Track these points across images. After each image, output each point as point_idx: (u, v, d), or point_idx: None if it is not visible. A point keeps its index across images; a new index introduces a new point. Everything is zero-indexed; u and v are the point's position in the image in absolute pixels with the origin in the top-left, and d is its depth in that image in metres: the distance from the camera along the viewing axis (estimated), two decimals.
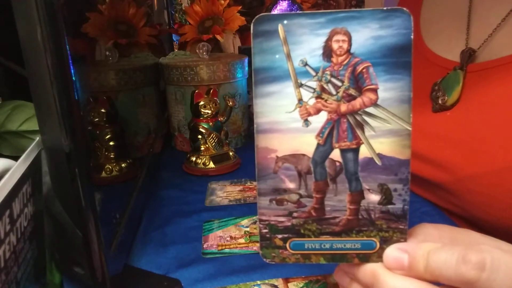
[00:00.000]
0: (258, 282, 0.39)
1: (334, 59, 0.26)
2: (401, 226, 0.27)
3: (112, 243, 0.37)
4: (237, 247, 0.45)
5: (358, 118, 0.26)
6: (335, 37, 0.25)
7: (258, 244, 0.28)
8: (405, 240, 0.27)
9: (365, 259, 0.27)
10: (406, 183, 0.26)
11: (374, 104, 0.26)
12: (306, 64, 0.26)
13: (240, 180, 0.64)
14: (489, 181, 0.44)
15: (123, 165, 0.59)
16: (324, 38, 0.25)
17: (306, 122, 0.26)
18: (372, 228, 0.27)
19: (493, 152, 0.44)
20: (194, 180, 0.65)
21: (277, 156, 0.27)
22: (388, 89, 0.25)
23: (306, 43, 0.25)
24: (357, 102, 0.26)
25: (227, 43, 0.89)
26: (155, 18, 1.02)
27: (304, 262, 0.28)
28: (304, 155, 0.27)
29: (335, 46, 0.25)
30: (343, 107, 0.26)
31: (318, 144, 0.26)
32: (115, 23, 0.77)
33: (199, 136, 0.67)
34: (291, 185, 0.27)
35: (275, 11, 0.81)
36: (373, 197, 0.27)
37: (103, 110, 0.58)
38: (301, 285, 0.38)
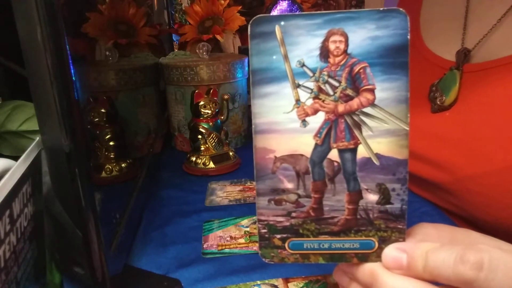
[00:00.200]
0: (258, 282, 0.39)
1: (331, 60, 0.26)
2: (399, 226, 0.27)
3: (112, 243, 0.37)
4: (237, 247, 0.45)
5: (355, 118, 0.26)
6: (332, 38, 0.25)
7: (257, 244, 0.28)
8: (404, 240, 0.27)
9: (364, 258, 0.27)
10: (404, 182, 0.26)
11: (372, 104, 0.26)
12: (303, 65, 0.26)
13: (240, 180, 0.64)
14: (488, 181, 0.45)
15: (123, 165, 0.59)
16: (321, 39, 0.25)
17: (304, 122, 0.26)
18: (371, 228, 0.27)
19: (492, 152, 0.44)
20: (194, 180, 0.65)
21: (275, 157, 0.27)
22: (385, 89, 0.25)
23: (303, 44, 0.25)
24: (355, 103, 0.26)
25: (227, 43, 0.89)
26: (155, 18, 1.02)
27: (303, 262, 0.28)
28: (302, 155, 0.27)
29: (332, 46, 0.25)
30: (341, 108, 0.26)
31: (316, 144, 0.26)
32: (115, 23, 0.77)
33: (199, 136, 0.67)
34: (289, 185, 0.27)
35: (275, 11, 0.81)
36: (371, 197, 0.27)
37: (103, 110, 0.58)
38: (301, 285, 0.38)
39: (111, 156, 0.59)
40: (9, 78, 0.48)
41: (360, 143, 0.26)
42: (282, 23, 0.25)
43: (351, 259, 0.27)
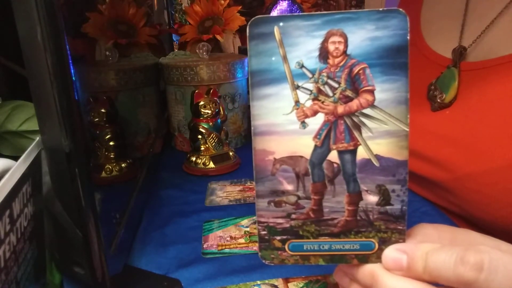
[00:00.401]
0: (258, 282, 0.39)
1: (330, 61, 0.26)
2: (399, 227, 0.27)
3: (112, 243, 0.37)
4: (237, 247, 0.45)
5: (355, 119, 0.26)
6: (331, 39, 0.25)
7: (257, 246, 0.28)
8: (404, 241, 0.27)
9: (364, 260, 0.27)
10: (404, 184, 0.26)
11: (371, 105, 0.26)
12: (302, 66, 0.26)
13: (240, 180, 0.64)
14: (486, 180, 0.45)
15: (123, 165, 0.59)
16: (320, 40, 0.25)
17: (303, 124, 0.26)
18: (371, 229, 0.27)
19: (491, 150, 0.45)
20: (194, 180, 0.65)
21: (274, 158, 0.27)
22: (385, 90, 0.25)
23: (302, 45, 0.25)
24: (354, 104, 0.26)
25: (227, 43, 0.89)
26: (155, 18, 1.02)
27: (303, 264, 0.28)
28: (301, 157, 0.27)
29: (331, 47, 0.25)
30: (340, 109, 0.26)
31: (316, 146, 0.26)
32: (115, 23, 0.77)
33: (199, 136, 0.67)
34: (289, 187, 0.27)
35: (274, 11, 0.81)
36: (371, 198, 0.27)
37: (103, 110, 0.58)
38: (301, 285, 0.38)
39: (111, 156, 0.59)
40: (9, 78, 0.48)
41: (360, 144, 0.26)
42: (281, 24, 0.25)
43: (351, 260, 0.27)
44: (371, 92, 0.25)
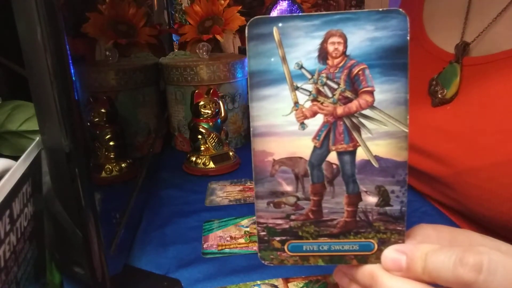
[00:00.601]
0: (258, 282, 0.39)
1: (329, 62, 0.25)
2: (399, 228, 0.27)
3: (112, 243, 0.37)
4: (237, 247, 0.45)
5: (354, 120, 0.26)
6: (331, 39, 0.25)
7: (257, 246, 0.28)
8: (403, 242, 0.27)
9: (363, 260, 0.27)
10: (403, 185, 0.26)
11: (371, 106, 0.26)
12: (301, 67, 0.26)
13: (240, 180, 0.64)
14: (487, 174, 0.45)
15: (123, 165, 0.59)
16: (319, 41, 0.25)
17: (303, 125, 0.26)
18: (370, 230, 0.27)
19: (491, 145, 0.45)
20: (194, 180, 0.65)
21: (274, 159, 0.27)
22: (384, 91, 0.25)
23: (301, 45, 0.25)
24: (354, 105, 0.26)
25: (227, 43, 0.89)
26: (155, 18, 1.02)
27: (303, 264, 0.28)
28: (301, 158, 0.27)
29: (330, 48, 0.25)
30: (340, 110, 0.26)
31: (315, 147, 0.26)
32: (115, 23, 0.77)
33: (199, 136, 0.67)
34: (288, 188, 0.27)
35: (274, 11, 0.81)
36: (371, 199, 0.27)
37: (103, 110, 0.58)
38: (301, 285, 0.38)
39: (111, 156, 0.59)
40: (9, 78, 0.48)
41: (359, 145, 0.26)
42: (280, 24, 0.25)
43: (350, 261, 0.27)
44: (371, 93, 0.25)
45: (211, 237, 0.47)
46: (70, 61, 0.28)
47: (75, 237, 0.31)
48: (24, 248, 0.28)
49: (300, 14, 0.27)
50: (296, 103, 0.26)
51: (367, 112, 0.26)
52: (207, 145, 0.67)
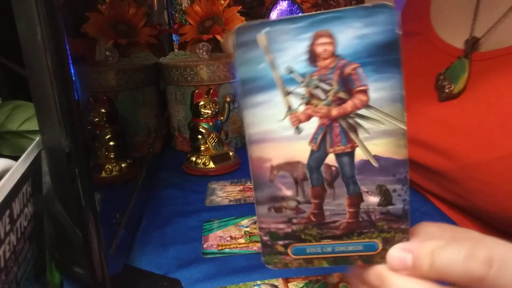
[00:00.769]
0: (258, 282, 0.39)
1: (320, 63, 0.25)
2: (402, 226, 0.27)
3: (112, 243, 0.37)
4: (237, 247, 0.45)
5: (350, 121, 0.26)
6: (319, 40, 0.24)
7: (258, 244, 0.28)
8: (408, 240, 0.27)
9: (368, 260, 0.27)
10: (405, 183, 0.26)
11: (366, 105, 0.25)
12: (291, 71, 0.25)
13: (240, 180, 0.64)
14: (492, 168, 0.44)
15: (123, 165, 0.59)
16: (307, 43, 0.24)
17: (298, 129, 0.26)
18: (374, 230, 0.27)
19: (498, 139, 0.44)
20: (194, 180, 0.65)
21: (272, 165, 0.26)
22: (378, 89, 0.25)
23: (290, 49, 0.25)
24: (348, 105, 0.25)
25: (227, 43, 0.89)
26: (155, 18, 1.02)
27: (307, 267, 0.28)
28: (299, 162, 0.26)
29: (319, 49, 0.24)
30: (334, 111, 0.26)
31: (312, 150, 0.26)
32: (115, 23, 0.77)
33: (199, 136, 0.67)
34: (288, 193, 0.27)
35: (274, 11, 0.81)
36: (372, 199, 0.26)
37: (103, 110, 0.58)
38: (301, 285, 0.38)
39: (111, 156, 0.59)
40: (9, 78, 0.48)
41: (357, 146, 0.26)
42: (266, 29, 0.25)
43: (355, 261, 0.27)
44: (365, 92, 0.25)
45: (211, 237, 0.47)
46: (70, 61, 0.28)
47: (75, 237, 0.31)
48: (24, 248, 0.28)
49: (285, 17, 0.27)
50: (289, 108, 0.26)
51: (362, 111, 0.25)
52: (207, 145, 0.67)
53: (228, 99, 0.69)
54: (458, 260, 0.23)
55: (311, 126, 0.26)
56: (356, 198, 0.26)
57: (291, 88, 0.25)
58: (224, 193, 0.59)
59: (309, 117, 0.26)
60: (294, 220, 0.27)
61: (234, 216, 0.52)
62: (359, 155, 0.26)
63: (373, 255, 0.27)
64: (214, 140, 0.67)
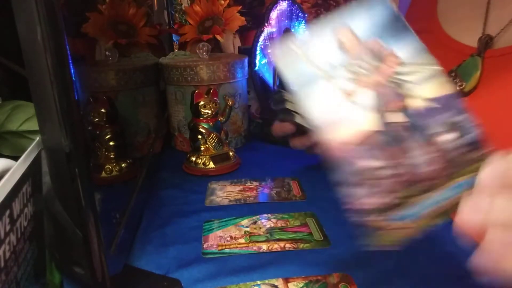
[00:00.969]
0: (258, 282, 0.39)
1: (349, 49, 0.29)
2: (484, 151, 0.27)
3: (112, 243, 0.37)
4: (237, 247, 0.45)
5: (395, 80, 0.28)
6: (340, 34, 0.29)
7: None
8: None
9: None
10: (464, 111, 0.28)
11: (399, 63, 0.28)
12: (330, 63, 0.29)
13: (240, 180, 0.64)
14: None
15: (123, 165, 0.59)
16: (333, 38, 0.29)
17: (356, 103, 0.28)
18: (463, 166, 0.27)
19: (510, 135, 0.44)
20: (194, 180, 0.65)
21: (343, 143, 0.28)
22: (402, 48, 0.29)
23: (320, 48, 0.29)
24: (385, 68, 0.29)
25: (227, 43, 0.89)
26: (155, 18, 1.02)
27: (414, 233, 0.28)
28: (369, 131, 0.28)
29: (343, 39, 0.29)
30: (378, 77, 0.28)
31: (375, 116, 0.28)
32: (115, 23, 0.77)
33: (199, 136, 0.67)
34: (370, 164, 0.27)
35: (274, 11, 0.81)
36: (448, 137, 0.28)
37: (103, 110, 0.58)
38: (301, 285, 0.38)
39: (111, 156, 0.59)
40: (9, 78, 0.48)
41: (411, 97, 0.28)
42: (296, 40, 0.30)
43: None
44: (393, 54, 0.29)
45: (211, 237, 0.47)
46: (70, 61, 0.28)
47: (75, 237, 0.31)
48: (24, 248, 0.28)
49: (308, 27, 0.31)
50: (341, 90, 0.28)
51: (400, 69, 0.28)
52: (207, 145, 0.67)
53: (230, 102, 0.69)
54: None
55: (365, 96, 0.28)
56: (432, 144, 0.27)
57: (336, 73, 0.29)
58: (224, 193, 0.59)
59: (360, 90, 0.29)
60: (385, 189, 0.27)
61: (234, 216, 0.52)
62: (416, 103, 0.28)
63: None
64: (214, 140, 0.67)
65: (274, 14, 0.81)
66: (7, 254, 0.25)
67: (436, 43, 0.58)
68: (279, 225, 0.49)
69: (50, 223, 0.32)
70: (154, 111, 0.76)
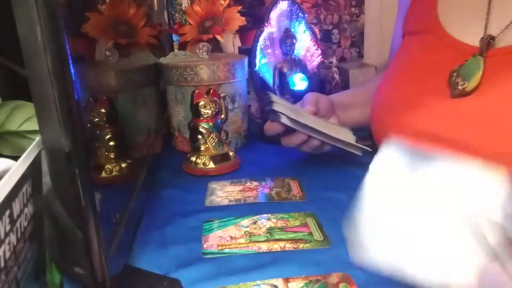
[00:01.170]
0: (258, 282, 0.39)
1: None
2: None
3: (112, 243, 0.37)
4: (237, 247, 0.45)
5: None
6: None
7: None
8: None
9: None
10: None
11: None
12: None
13: (240, 180, 0.64)
14: (506, 161, 0.45)
15: (123, 165, 0.59)
16: None
17: None
18: None
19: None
20: (194, 180, 0.65)
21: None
22: None
23: None
24: None
25: (227, 43, 0.89)
26: (155, 18, 1.02)
27: None
28: None
29: None
30: None
31: None
32: (115, 23, 0.77)
33: (199, 136, 0.67)
34: None
35: (274, 11, 0.81)
36: None
37: (103, 110, 0.58)
38: (301, 285, 0.38)
39: (111, 156, 0.59)
40: (9, 78, 0.48)
41: None
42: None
43: None
44: None
45: (211, 237, 0.47)
46: (70, 61, 0.28)
47: (75, 237, 0.31)
48: (24, 248, 0.28)
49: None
50: None
51: None
52: (207, 145, 0.67)
53: (222, 94, 0.69)
54: None
55: None
56: None
57: None
58: (224, 193, 0.59)
59: None
60: None
61: (234, 216, 0.52)
62: None
63: None
64: (214, 140, 0.67)
65: (274, 14, 0.81)
66: (7, 254, 0.25)
67: (438, 43, 0.58)
68: (279, 225, 0.49)
69: (50, 223, 0.32)
70: (154, 111, 0.76)
